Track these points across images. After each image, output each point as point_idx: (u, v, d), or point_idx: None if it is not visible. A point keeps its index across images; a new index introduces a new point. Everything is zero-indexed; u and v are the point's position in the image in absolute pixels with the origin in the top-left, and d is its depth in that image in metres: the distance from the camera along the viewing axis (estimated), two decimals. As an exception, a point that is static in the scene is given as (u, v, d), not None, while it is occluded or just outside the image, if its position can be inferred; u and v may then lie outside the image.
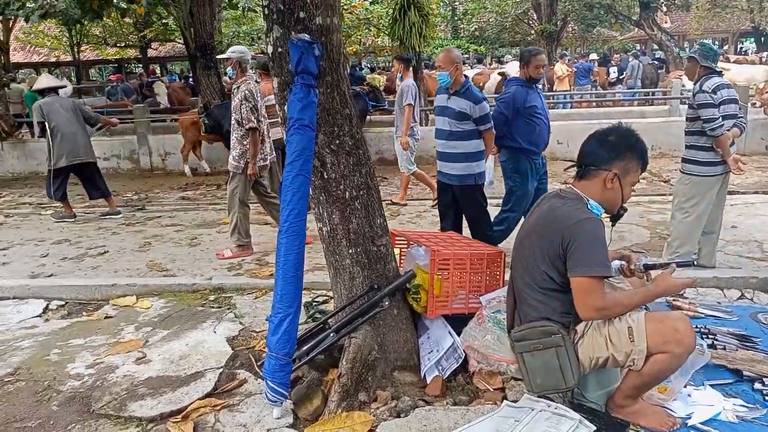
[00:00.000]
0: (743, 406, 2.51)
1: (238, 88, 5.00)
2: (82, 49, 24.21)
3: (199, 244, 5.72)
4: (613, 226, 2.63)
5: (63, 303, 4.24)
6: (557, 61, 15.21)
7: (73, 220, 6.83)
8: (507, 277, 2.98)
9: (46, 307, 4.16)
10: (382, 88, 12.53)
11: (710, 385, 2.64)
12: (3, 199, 8.48)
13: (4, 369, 3.21)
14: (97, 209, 7.22)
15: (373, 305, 2.76)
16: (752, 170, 8.38)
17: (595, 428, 2.10)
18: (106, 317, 3.94)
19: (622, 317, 2.31)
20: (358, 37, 15.68)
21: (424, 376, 2.84)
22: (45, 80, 7.55)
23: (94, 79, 27.69)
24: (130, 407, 2.75)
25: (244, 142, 4.97)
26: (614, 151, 2.37)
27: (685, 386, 2.58)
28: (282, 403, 2.59)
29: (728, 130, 4.19)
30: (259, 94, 5.06)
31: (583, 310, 2.27)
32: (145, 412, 2.70)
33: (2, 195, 8.72)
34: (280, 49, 2.56)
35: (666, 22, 24.62)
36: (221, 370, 3.06)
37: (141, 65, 23.97)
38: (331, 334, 2.76)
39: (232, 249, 5.18)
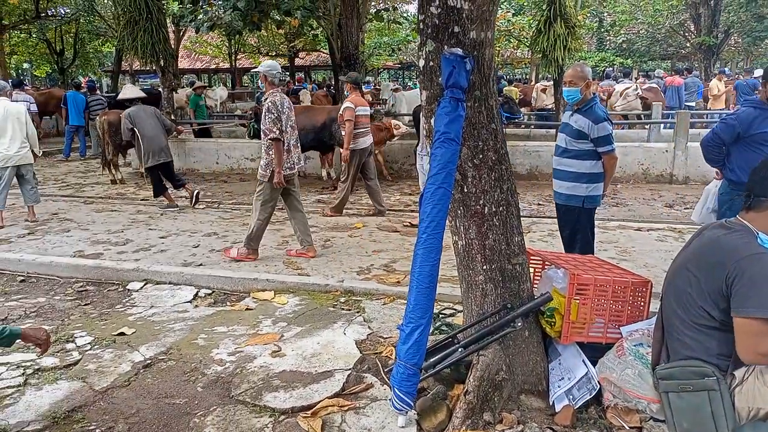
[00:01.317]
0: None
1: (266, 100, 5.18)
2: (238, 57, 26.40)
3: (331, 246, 5.97)
4: None
5: (210, 291, 4.64)
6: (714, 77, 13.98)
7: (176, 209, 7.72)
8: (652, 308, 2.79)
9: (196, 294, 4.57)
10: (517, 101, 12.30)
11: None
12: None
13: (159, 348, 3.57)
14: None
15: (504, 325, 2.71)
16: None
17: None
18: (246, 309, 4.24)
19: None
20: (498, 48, 15.55)
21: (553, 403, 2.73)
22: (129, 91, 8.49)
23: (245, 85, 30.10)
24: (265, 397, 2.93)
25: (269, 153, 5.11)
26: None
27: None
28: (407, 412, 2.62)
29: None
30: (285, 106, 5.17)
31: (745, 354, 2.06)
32: (278, 404, 2.86)
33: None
34: (431, 63, 2.61)
35: None
36: (349, 371, 3.17)
37: (288, 73, 25.62)
38: (460, 349, 2.74)
39: (240, 250, 5.35)
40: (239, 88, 27.33)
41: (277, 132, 5.08)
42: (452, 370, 2.83)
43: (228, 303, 4.42)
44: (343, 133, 7.06)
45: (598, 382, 2.64)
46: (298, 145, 5.49)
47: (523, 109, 12.87)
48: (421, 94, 2.80)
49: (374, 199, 7.50)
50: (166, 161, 7.79)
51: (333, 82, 17.26)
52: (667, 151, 9.57)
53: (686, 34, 21.21)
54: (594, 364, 2.71)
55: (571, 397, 2.69)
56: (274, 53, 25.48)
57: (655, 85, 13.31)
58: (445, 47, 2.52)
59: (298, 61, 26.18)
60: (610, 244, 6.26)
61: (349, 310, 4.12)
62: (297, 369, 3.23)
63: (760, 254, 2.08)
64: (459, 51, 2.48)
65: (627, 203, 8.31)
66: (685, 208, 7.83)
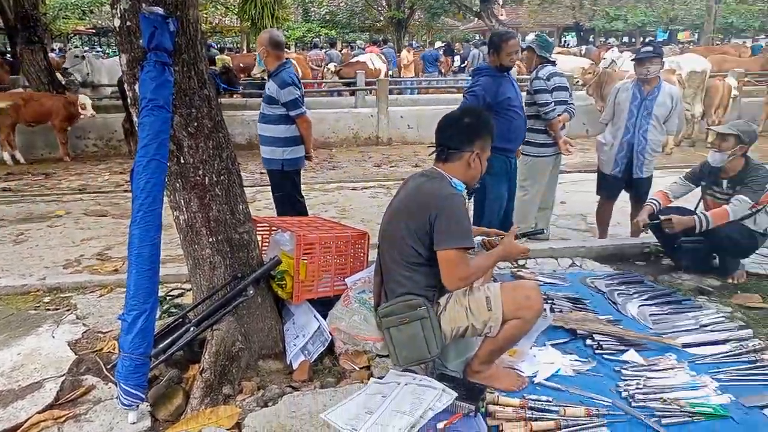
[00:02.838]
0: (578, 360, 2.82)
1: None
2: None
3: (26, 240, 5.11)
4: (470, 199, 2.81)
5: None
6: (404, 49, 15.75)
7: None
8: (371, 258, 3.05)
9: None
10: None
11: (551, 345, 2.94)
12: None
13: None
14: None
15: (236, 295, 2.67)
16: (577, 152, 9.35)
17: (456, 395, 2.23)
18: None
19: (480, 288, 2.48)
20: (205, 15, 14.91)
21: (291, 362, 2.82)
22: None
23: None
24: (-47, 431, 2.40)
25: None
26: (473, 132, 2.52)
27: (530, 348, 2.84)
28: (138, 406, 2.41)
29: (560, 115, 4.64)
30: None
31: (449, 281, 2.39)
32: (-28, 435, 2.37)
33: None
34: (129, 23, 2.35)
35: (502, 15, 26.50)
36: (63, 378, 2.77)
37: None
38: (192, 328, 2.62)
39: None
40: None
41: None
42: (186, 352, 2.70)
43: None
44: None
45: (330, 333, 2.81)
46: None
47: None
48: (120, 57, 2.51)
49: None
50: None
51: (9, 48, 14.52)
52: (372, 116, 10.48)
53: (379, 8, 23.32)
54: (325, 317, 2.87)
55: (306, 352, 2.81)
56: None
57: (358, 59, 14.37)
58: (143, 5, 2.29)
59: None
60: (331, 204, 6.66)
61: (57, 309, 3.59)
62: (-6, 389, 2.71)
63: (453, 195, 2.43)
64: (160, 10, 2.27)
65: (342, 165, 8.91)
66: (390, 167, 8.72)
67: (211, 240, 2.67)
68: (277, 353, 2.89)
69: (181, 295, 3.58)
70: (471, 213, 4.19)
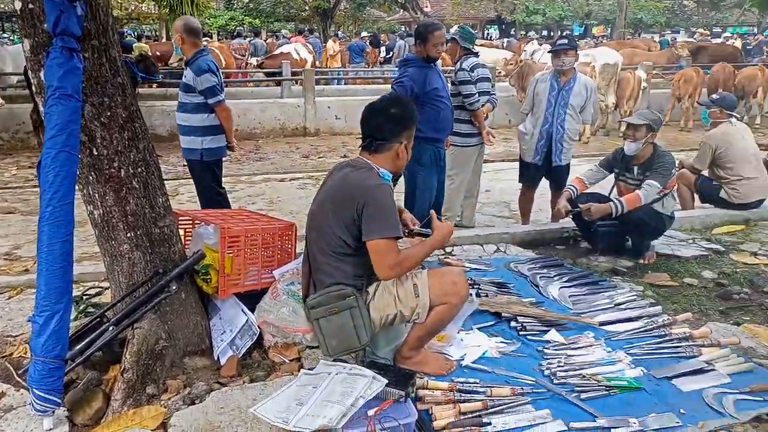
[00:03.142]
0: (503, 342, 2.92)
1: None
2: None
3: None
4: (395, 185, 2.83)
5: None
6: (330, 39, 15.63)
7: None
8: (299, 249, 3.02)
9: None
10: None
11: (477, 328, 3.02)
12: None
13: None
14: None
15: (158, 291, 2.58)
16: (500, 141, 9.63)
17: (386, 382, 2.25)
18: None
19: (408, 275, 2.51)
20: (120, 0, 14.19)
21: (218, 358, 2.75)
22: None
23: None
24: None
25: None
26: (401, 123, 2.53)
27: (458, 332, 2.91)
28: (53, 411, 2.28)
29: (483, 105, 4.75)
30: None
31: (381, 271, 2.40)
32: None
33: None
34: (31, 6, 2.19)
35: (427, 6, 26.81)
36: (-30, 386, 2.59)
37: None
38: (111, 328, 2.51)
39: None
40: None
41: None
42: (105, 352, 2.58)
43: None
44: None
45: (258, 326, 2.76)
46: None
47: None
48: (23, 43, 2.34)
49: None
50: None
51: None
52: (299, 106, 10.35)
53: (304, -2, 23.04)
54: (252, 310, 2.82)
55: (234, 347, 2.75)
56: None
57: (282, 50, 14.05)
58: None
59: None
60: (258, 196, 6.55)
61: (-40, 314, 3.34)
62: None
63: (380, 185, 2.44)
64: (65, -7, 2.13)
65: (269, 157, 8.76)
66: (319, 158, 8.66)
67: (129, 235, 2.56)
68: (203, 349, 2.81)
69: (99, 294, 3.41)
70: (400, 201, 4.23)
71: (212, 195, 4.25)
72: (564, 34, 28.02)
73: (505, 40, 24.32)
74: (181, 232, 3.11)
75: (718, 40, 19.58)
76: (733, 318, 3.27)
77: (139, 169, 2.53)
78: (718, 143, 4.83)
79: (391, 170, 2.55)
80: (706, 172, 5.08)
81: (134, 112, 2.50)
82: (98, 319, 2.63)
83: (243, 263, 2.82)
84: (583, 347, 2.88)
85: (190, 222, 3.21)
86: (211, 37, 23.06)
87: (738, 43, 17.66)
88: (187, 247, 2.99)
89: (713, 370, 2.68)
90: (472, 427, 2.22)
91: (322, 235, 2.49)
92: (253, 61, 13.17)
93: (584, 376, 2.60)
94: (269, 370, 2.69)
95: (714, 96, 5.28)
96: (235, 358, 2.69)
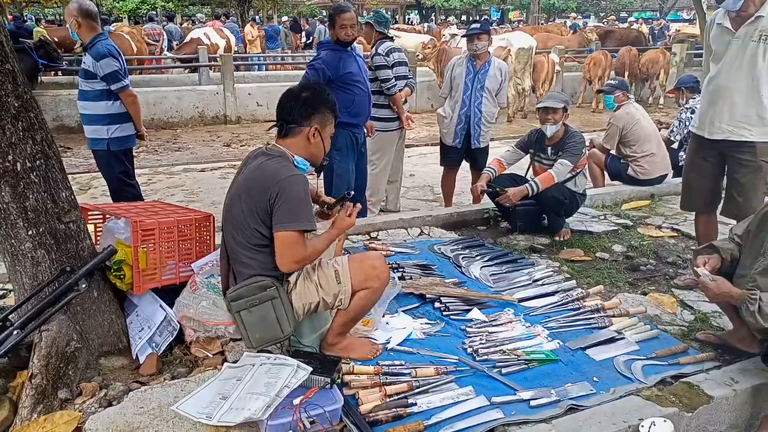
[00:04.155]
0: (428, 323, 2.98)
1: None
2: None
3: None
4: (318, 176, 2.80)
5: None
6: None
7: None
8: (218, 241, 2.94)
9: None
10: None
11: (402, 311, 3.06)
12: None
13: None
14: None
15: (66, 291, 2.43)
16: (423, 126, 9.78)
17: (311, 370, 2.24)
18: None
19: (329, 262, 2.50)
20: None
21: (137, 356, 2.64)
22: None
23: None
24: None
25: None
26: (311, 106, 2.49)
27: (383, 316, 2.94)
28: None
29: (401, 90, 4.78)
30: None
31: (283, 263, 2.36)
32: None
33: None
34: None
35: (345, -9, 26.52)
36: None
37: None
38: (15, 332, 2.35)
39: None
40: None
41: None
42: (11, 358, 2.42)
43: None
44: None
45: (178, 321, 2.67)
46: None
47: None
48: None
49: None
50: None
51: None
52: (218, 93, 10.05)
53: (220, -20, 22.23)
54: (172, 305, 2.72)
55: (154, 344, 2.65)
56: None
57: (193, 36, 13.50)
58: None
59: None
60: (178, 188, 6.33)
61: None
62: None
63: (295, 176, 2.40)
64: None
65: (188, 146, 8.47)
66: (241, 146, 8.46)
67: (30, 233, 2.40)
68: (121, 349, 2.70)
69: (2, 297, 3.20)
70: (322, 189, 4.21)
71: (122, 186, 4.06)
72: (479, 19, 28.66)
73: (426, 24, 24.55)
74: (92, 228, 2.96)
75: (625, 26, 20.62)
76: (640, 288, 3.49)
77: (38, 162, 2.37)
78: (624, 123, 5.11)
79: (307, 158, 2.52)
80: (614, 151, 5.37)
81: (28, 101, 2.33)
82: (1, 323, 2.45)
83: (159, 257, 2.71)
84: (503, 324, 2.98)
85: (101, 217, 3.05)
86: (122, 21, 21.91)
87: (644, 28, 18.67)
88: (98, 243, 2.84)
89: (623, 338, 2.85)
90: (398, 409, 2.25)
91: (238, 226, 2.44)
92: (167, 53, 12.64)
93: (505, 352, 2.69)
94: (192, 366, 2.61)
95: (611, 81, 5.59)
96: (155, 356, 2.59)
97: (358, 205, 2.65)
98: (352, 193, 2.83)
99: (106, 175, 4.11)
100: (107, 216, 2.99)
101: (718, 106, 3.18)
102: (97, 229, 3.01)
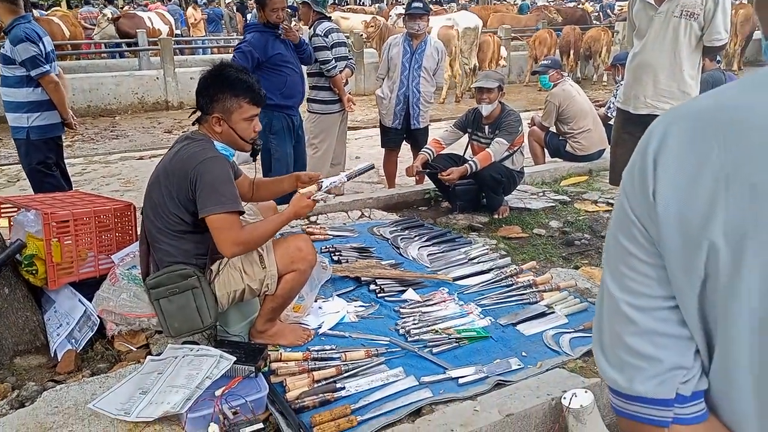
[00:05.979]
0: (362, 306, 2.95)
1: None
2: None
3: None
4: (254, 160, 2.72)
5: None
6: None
7: None
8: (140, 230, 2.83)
9: None
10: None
11: (337, 295, 3.03)
12: None
13: None
14: None
15: (-30, 289, 2.30)
16: (371, 107, 9.69)
17: (234, 359, 2.19)
18: None
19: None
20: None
21: (55, 353, 2.54)
22: None
23: None
24: None
25: None
26: (208, 96, 2.39)
27: (315, 300, 2.90)
28: None
29: (341, 71, 4.70)
30: None
31: (224, 248, 2.28)
32: None
33: None
34: None
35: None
36: None
37: None
38: None
39: None
40: None
41: None
42: None
43: None
44: None
45: (99, 315, 2.57)
46: None
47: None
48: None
49: None
50: None
51: None
52: (158, 78, 9.72)
53: (161, -39, 21.38)
54: (92, 299, 2.62)
55: (73, 340, 2.55)
56: None
57: (137, 12, 13.07)
58: None
59: None
60: (113, 177, 6.11)
61: None
62: None
63: (214, 157, 2.32)
64: None
65: (127, 134, 8.18)
66: (183, 132, 8.21)
67: (-74, 229, 2.25)
68: (38, 347, 2.59)
69: None
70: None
71: (41, 178, 3.88)
72: (432, -1, 28.49)
73: (377, 5, 24.31)
74: (6, 222, 2.81)
75: (571, 5, 20.88)
76: (573, 262, 3.54)
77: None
78: (560, 100, 5.16)
79: (225, 144, 2.43)
80: (553, 129, 5.43)
81: None
82: None
83: (75, 250, 2.59)
84: (437, 303, 2.98)
85: (15, 209, 2.90)
86: (59, 5, 20.89)
87: (588, 6, 18.93)
88: (9, 238, 2.70)
89: (553, 312, 2.89)
90: (325, 394, 2.22)
91: (158, 212, 2.34)
92: (108, 12, 11.98)
93: (437, 331, 2.69)
94: (114, 361, 2.52)
95: (545, 61, 5.64)
96: (73, 353, 2.49)
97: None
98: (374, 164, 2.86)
99: (24, 165, 3.93)
100: (20, 209, 2.84)
101: (643, 81, 3.23)
102: (11, 223, 2.86)
